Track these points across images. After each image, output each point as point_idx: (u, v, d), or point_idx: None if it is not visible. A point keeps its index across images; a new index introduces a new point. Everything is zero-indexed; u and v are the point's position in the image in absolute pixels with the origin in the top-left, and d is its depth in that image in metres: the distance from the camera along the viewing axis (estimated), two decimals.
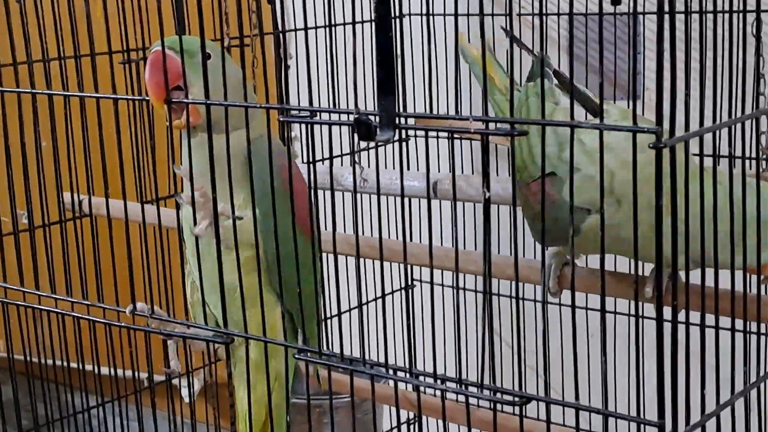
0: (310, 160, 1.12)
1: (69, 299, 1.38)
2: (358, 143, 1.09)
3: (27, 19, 1.69)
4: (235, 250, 1.21)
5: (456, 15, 1.16)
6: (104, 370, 2.05)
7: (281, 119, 1.12)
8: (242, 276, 1.20)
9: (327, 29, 1.13)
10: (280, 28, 2.38)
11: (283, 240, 1.21)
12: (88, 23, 1.59)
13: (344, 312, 1.37)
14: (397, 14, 2.24)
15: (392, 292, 2.59)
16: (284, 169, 1.25)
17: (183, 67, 1.24)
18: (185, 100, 1.26)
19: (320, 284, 1.38)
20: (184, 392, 1.48)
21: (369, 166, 2.14)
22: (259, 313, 1.21)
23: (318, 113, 1.12)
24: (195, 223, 1.27)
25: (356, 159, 1.11)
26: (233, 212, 1.20)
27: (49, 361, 1.86)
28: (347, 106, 1.11)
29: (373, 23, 1.04)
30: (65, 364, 1.92)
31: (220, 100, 1.18)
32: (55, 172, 1.69)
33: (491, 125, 0.99)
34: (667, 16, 0.86)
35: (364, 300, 1.14)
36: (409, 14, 2.38)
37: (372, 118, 1.03)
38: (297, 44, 2.11)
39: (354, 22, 1.11)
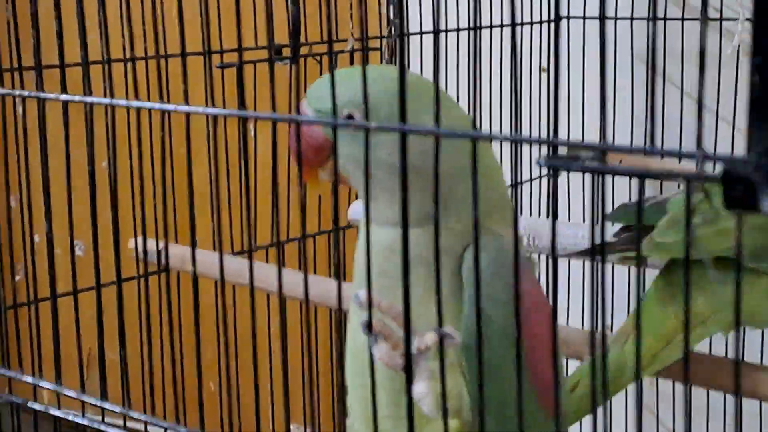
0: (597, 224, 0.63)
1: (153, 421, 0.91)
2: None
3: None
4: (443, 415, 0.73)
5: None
6: None
7: (546, 163, 0.64)
8: None
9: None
10: (404, 30, 1.92)
11: (508, 411, 0.75)
12: (179, 14, 1.09)
13: None
14: (552, 17, 1.74)
15: None
16: (528, 296, 0.79)
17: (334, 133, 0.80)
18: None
19: None
20: None
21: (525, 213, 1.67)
22: None
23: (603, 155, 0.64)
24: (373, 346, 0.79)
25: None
26: (443, 359, 0.70)
27: None
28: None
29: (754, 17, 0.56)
30: None
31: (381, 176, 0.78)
32: (133, 210, 1.22)
33: None
34: None
35: None
36: (567, 17, 1.90)
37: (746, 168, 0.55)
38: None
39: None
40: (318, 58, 1.57)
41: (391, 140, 0.84)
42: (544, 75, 1.89)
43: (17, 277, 1.76)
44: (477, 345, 0.71)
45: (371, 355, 0.78)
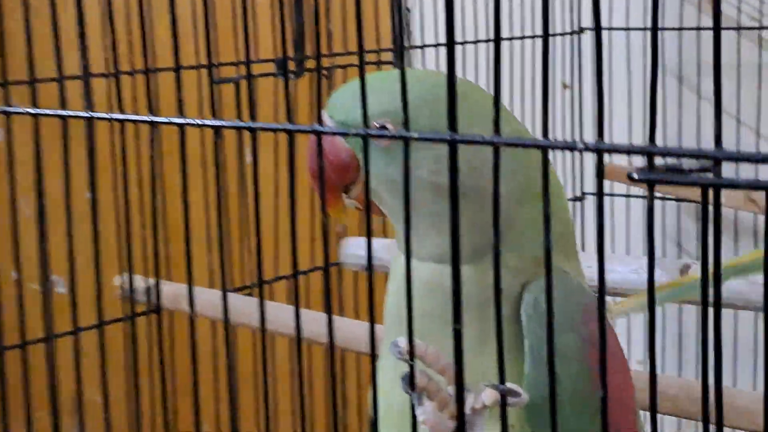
0: None
1: None
2: None
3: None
4: None
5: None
6: None
7: (643, 176, 0.49)
8: None
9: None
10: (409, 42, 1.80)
11: None
12: (172, 24, 0.94)
13: None
14: (578, 29, 1.64)
15: None
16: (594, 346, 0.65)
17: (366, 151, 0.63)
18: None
19: None
20: None
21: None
22: None
23: None
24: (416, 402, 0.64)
25: None
26: (505, 422, 0.55)
27: None
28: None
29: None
30: None
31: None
32: (119, 243, 1.08)
33: None
34: None
35: None
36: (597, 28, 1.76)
37: None
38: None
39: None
40: (325, 72, 1.43)
41: (432, 156, 0.70)
42: (567, 92, 1.75)
43: None
44: (551, 403, 0.55)
45: (413, 417, 0.63)
